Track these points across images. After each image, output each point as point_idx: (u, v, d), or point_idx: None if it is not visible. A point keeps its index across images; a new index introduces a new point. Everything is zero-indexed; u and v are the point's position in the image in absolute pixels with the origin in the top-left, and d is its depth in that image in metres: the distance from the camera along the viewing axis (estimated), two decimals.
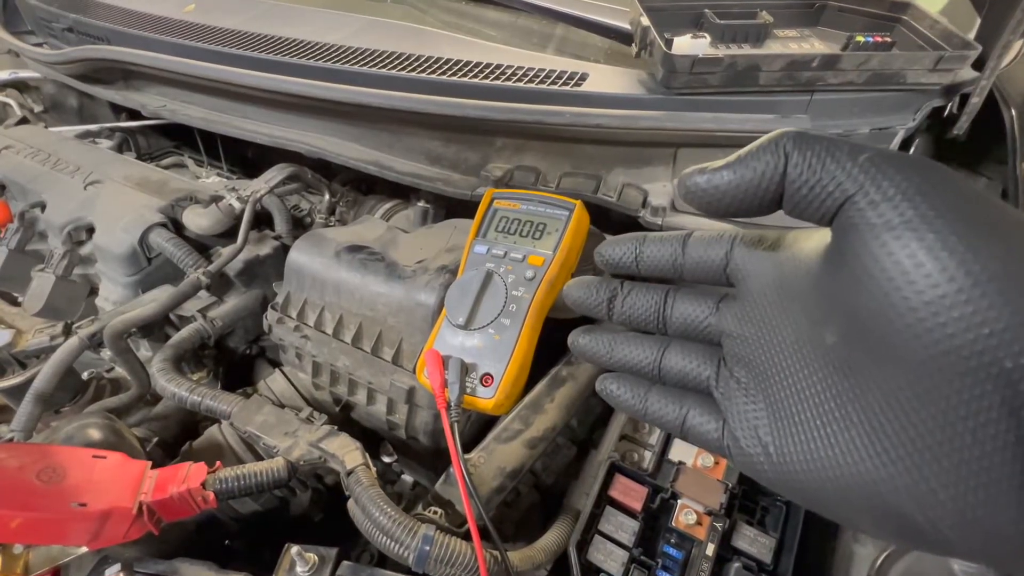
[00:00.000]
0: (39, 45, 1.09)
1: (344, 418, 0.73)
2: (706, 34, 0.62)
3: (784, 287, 0.25)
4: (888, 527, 0.21)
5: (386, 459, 0.80)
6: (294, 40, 0.75)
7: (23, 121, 1.14)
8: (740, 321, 0.27)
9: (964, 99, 0.63)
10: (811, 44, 0.68)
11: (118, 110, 1.19)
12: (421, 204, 0.82)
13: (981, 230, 0.18)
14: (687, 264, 0.28)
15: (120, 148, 1.14)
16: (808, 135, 0.21)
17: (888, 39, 0.63)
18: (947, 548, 0.20)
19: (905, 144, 0.69)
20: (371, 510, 0.46)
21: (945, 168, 0.20)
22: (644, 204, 0.65)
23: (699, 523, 0.49)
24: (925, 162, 0.20)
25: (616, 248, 0.30)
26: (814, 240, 0.24)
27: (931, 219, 0.18)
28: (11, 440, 0.60)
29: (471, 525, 0.44)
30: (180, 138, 1.20)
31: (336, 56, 0.71)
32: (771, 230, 0.27)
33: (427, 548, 0.43)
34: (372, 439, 0.76)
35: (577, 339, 0.32)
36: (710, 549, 0.48)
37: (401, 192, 0.89)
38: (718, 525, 0.49)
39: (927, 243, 0.18)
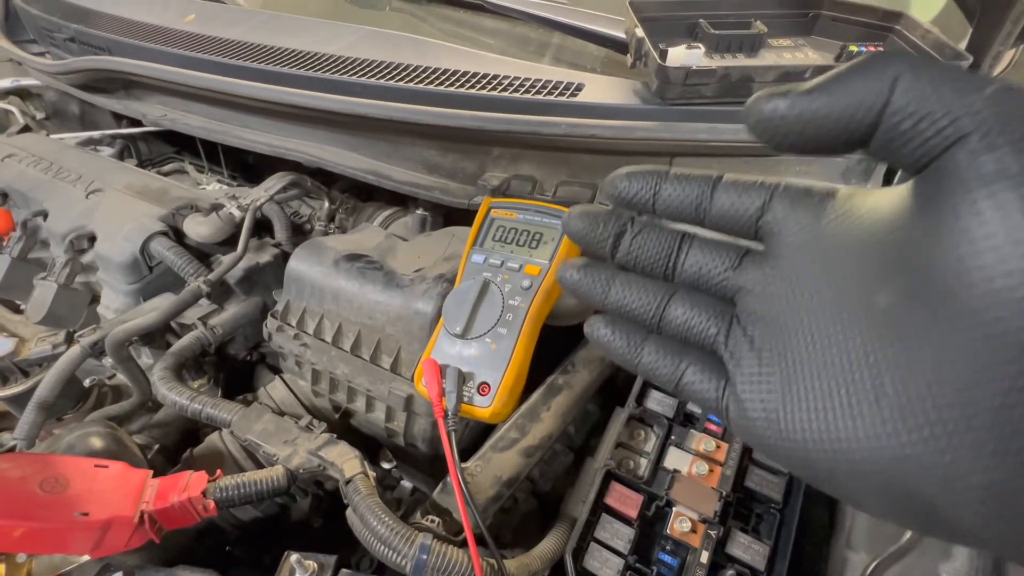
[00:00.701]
0: (41, 54, 1.09)
1: (344, 425, 0.73)
2: (700, 44, 0.63)
3: (831, 244, 0.22)
4: (898, 507, 0.20)
5: (385, 465, 0.80)
6: (293, 51, 0.75)
7: (25, 129, 1.15)
8: (766, 278, 0.24)
9: None
10: (805, 54, 0.69)
11: (120, 117, 1.20)
12: (419, 212, 0.82)
13: None
14: (714, 210, 0.25)
15: (121, 155, 1.15)
16: (921, 58, 0.18)
17: (881, 48, 0.63)
18: (957, 534, 0.19)
19: None
20: (369, 519, 0.47)
21: None
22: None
23: (694, 530, 0.50)
24: None
25: (633, 181, 0.26)
26: (880, 196, 0.21)
27: None
28: (14, 448, 0.61)
29: (468, 534, 0.44)
30: (181, 144, 1.21)
31: (335, 67, 0.72)
32: (819, 184, 0.24)
33: (424, 557, 0.43)
34: (372, 445, 0.77)
35: (569, 272, 0.29)
36: (704, 556, 0.49)
37: (400, 199, 0.89)
38: (712, 533, 0.50)
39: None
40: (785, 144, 0.21)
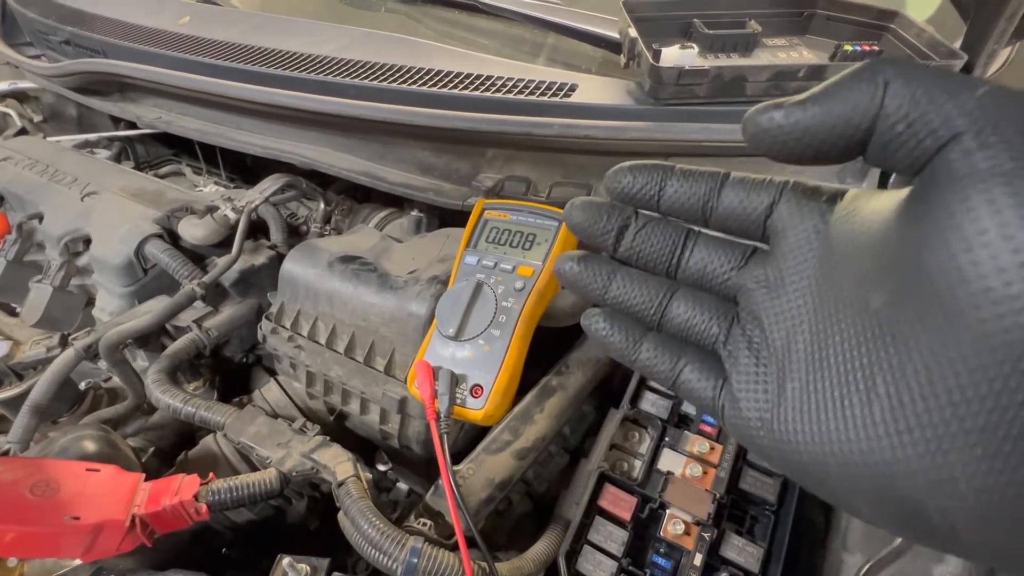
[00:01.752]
0: (37, 57, 1.10)
1: (339, 427, 0.73)
2: (694, 44, 0.62)
3: (834, 244, 0.22)
4: (889, 513, 0.20)
5: (381, 467, 0.80)
6: (287, 53, 0.75)
7: (22, 132, 1.15)
8: (769, 277, 0.24)
9: None
10: (800, 53, 0.69)
11: (117, 119, 1.20)
12: (415, 213, 0.82)
13: None
14: (721, 208, 0.25)
15: (118, 157, 1.15)
16: (911, 63, 0.18)
17: (876, 47, 0.63)
18: (948, 542, 0.19)
19: None
20: (360, 523, 0.46)
21: None
22: None
23: (687, 533, 0.50)
24: None
25: (637, 175, 0.26)
26: (883, 198, 0.21)
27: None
28: (7, 452, 0.61)
29: (459, 537, 0.44)
30: (179, 146, 1.21)
31: (328, 68, 0.71)
32: (828, 184, 0.24)
33: (415, 560, 0.43)
34: (368, 448, 0.77)
35: (569, 264, 0.28)
36: (698, 559, 0.48)
37: (396, 200, 0.89)
38: (706, 535, 0.49)
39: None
40: (783, 154, 0.21)
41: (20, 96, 1.23)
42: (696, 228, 0.27)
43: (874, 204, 0.21)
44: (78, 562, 0.49)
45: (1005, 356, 0.16)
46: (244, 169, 1.15)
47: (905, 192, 0.20)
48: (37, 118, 1.26)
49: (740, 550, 0.50)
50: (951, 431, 0.17)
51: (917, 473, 0.18)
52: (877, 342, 0.19)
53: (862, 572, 0.42)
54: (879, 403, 0.19)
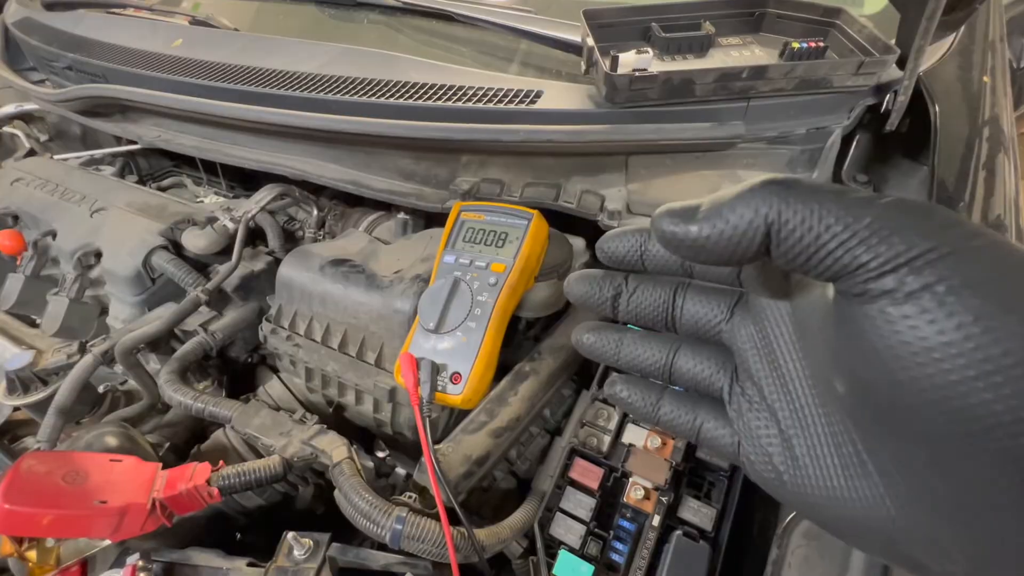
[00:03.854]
0: (41, 82, 1.15)
1: (338, 418, 0.79)
2: (650, 48, 0.67)
3: (798, 313, 0.23)
4: (897, 561, 0.22)
5: (380, 454, 0.86)
6: (273, 71, 0.80)
7: (31, 153, 1.21)
8: (753, 339, 0.26)
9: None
10: (752, 51, 0.73)
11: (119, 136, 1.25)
12: (401, 216, 0.88)
13: (1004, 304, 0.16)
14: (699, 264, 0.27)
15: (122, 172, 1.21)
16: (792, 190, 0.19)
17: (822, 44, 0.67)
18: None
19: (846, 140, 0.73)
20: (352, 497, 0.52)
21: (955, 218, 0.18)
22: (601, 208, 0.71)
23: (647, 498, 0.55)
24: (934, 213, 0.18)
25: (620, 242, 0.27)
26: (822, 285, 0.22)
27: (942, 296, 0.17)
28: (38, 450, 0.67)
29: (439, 505, 0.50)
30: (179, 157, 1.26)
31: (312, 85, 0.77)
32: None
33: (399, 527, 0.49)
34: (366, 436, 0.83)
35: (582, 337, 0.31)
36: (656, 520, 0.54)
37: (385, 204, 0.94)
38: (663, 499, 0.55)
39: (938, 325, 0.17)
40: (690, 258, 0.21)
41: (26, 117, 1.29)
42: (686, 281, 0.29)
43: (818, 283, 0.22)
44: (108, 542, 0.56)
45: (958, 458, 0.18)
46: (243, 176, 1.21)
47: (832, 293, 0.20)
48: (43, 137, 1.32)
49: (696, 511, 0.55)
50: (937, 511, 0.19)
51: (918, 541, 0.20)
52: (855, 425, 0.21)
53: (786, 520, 0.47)
54: (872, 479, 0.21)
